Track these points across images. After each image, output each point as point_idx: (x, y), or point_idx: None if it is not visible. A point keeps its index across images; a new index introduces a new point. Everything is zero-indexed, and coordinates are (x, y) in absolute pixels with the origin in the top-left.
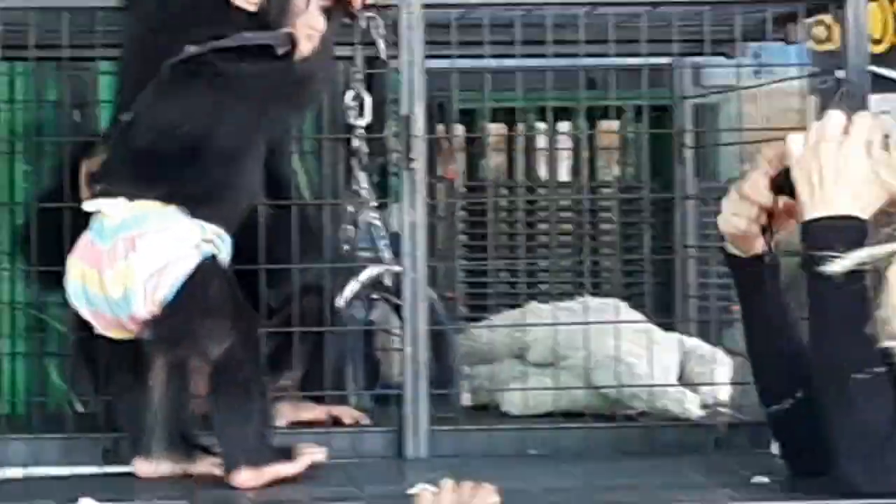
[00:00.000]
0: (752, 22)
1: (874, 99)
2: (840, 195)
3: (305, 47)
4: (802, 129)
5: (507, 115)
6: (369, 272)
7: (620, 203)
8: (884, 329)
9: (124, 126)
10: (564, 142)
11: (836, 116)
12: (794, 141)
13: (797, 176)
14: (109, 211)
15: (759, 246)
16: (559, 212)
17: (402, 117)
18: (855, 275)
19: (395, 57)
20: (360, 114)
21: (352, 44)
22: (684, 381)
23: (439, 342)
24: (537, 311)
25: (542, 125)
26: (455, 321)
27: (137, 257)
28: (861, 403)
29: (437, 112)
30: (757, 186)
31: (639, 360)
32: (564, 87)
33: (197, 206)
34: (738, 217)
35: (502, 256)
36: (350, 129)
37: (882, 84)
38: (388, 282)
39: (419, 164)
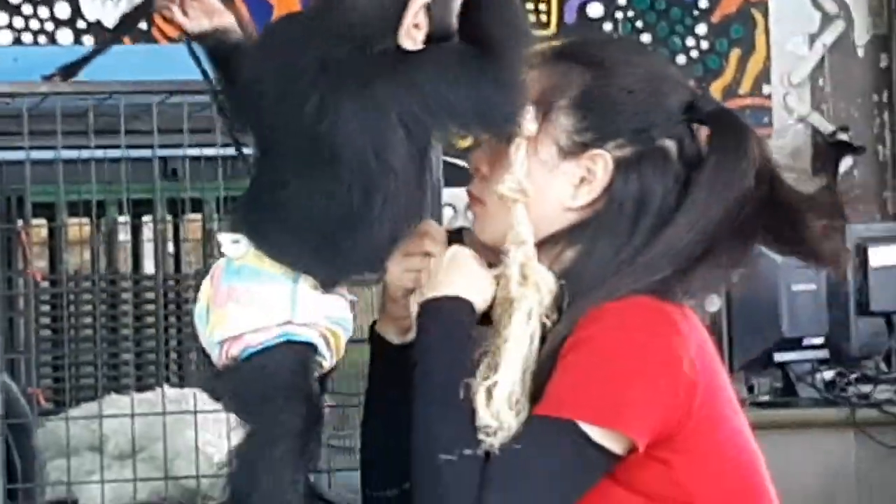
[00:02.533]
0: None
1: (450, 192)
2: (448, 280)
3: None
4: None
5: (89, 208)
6: None
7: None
8: (486, 399)
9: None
10: (148, 234)
11: None
12: None
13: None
14: (230, 252)
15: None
16: (144, 304)
17: None
18: (456, 340)
19: None
20: None
21: None
22: None
23: (17, 436)
24: (115, 402)
25: (123, 218)
26: (35, 415)
27: (226, 313)
28: (445, 487)
29: (15, 206)
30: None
31: (217, 450)
32: (144, 178)
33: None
34: (408, 273)
35: (84, 350)
36: None
37: None
38: None
39: None
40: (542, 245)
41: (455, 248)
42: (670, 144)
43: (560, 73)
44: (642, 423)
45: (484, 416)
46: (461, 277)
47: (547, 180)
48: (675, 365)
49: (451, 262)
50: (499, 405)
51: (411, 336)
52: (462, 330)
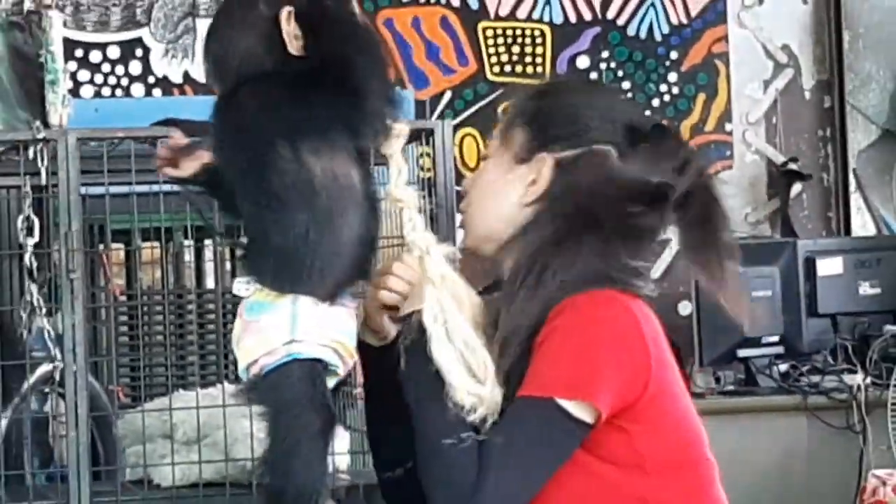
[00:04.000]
0: None
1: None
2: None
3: None
4: None
5: (160, 234)
6: (41, 370)
7: None
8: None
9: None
10: (209, 255)
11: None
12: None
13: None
14: (241, 293)
15: (391, 331)
16: (206, 314)
17: (62, 235)
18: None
19: (56, 185)
20: (30, 234)
21: (19, 174)
22: None
23: (100, 427)
24: (183, 396)
25: (188, 241)
26: (115, 408)
27: (245, 345)
28: (450, 467)
29: (97, 233)
30: (409, 267)
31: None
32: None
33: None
34: (386, 292)
35: (156, 353)
36: (21, 247)
37: None
38: (58, 377)
39: (77, 275)
40: (510, 242)
41: (439, 269)
42: (609, 149)
43: (517, 102)
44: (607, 395)
45: (458, 398)
46: None
47: (507, 182)
48: (633, 345)
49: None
50: (459, 385)
51: (388, 339)
52: None
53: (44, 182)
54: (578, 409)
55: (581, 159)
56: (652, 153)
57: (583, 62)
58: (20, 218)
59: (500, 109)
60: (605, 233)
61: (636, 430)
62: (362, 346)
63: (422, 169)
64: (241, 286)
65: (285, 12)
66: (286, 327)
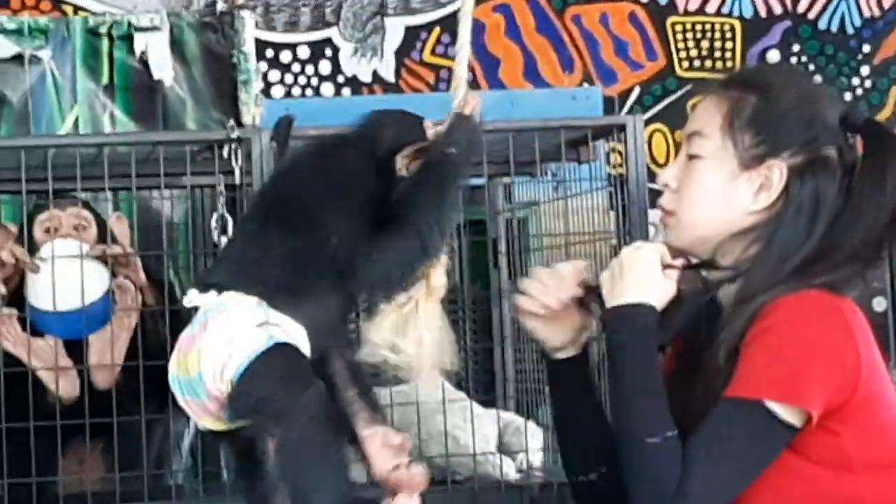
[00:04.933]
0: (550, 145)
1: (654, 213)
2: (630, 287)
3: None
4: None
5: None
6: None
7: (448, 302)
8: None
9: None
10: None
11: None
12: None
13: (603, 277)
14: (200, 302)
15: (570, 343)
16: None
17: None
18: (643, 340)
19: (250, 184)
20: (224, 232)
21: (213, 173)
22: (502, 449)
23: None
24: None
25: None
26: None
27: (207, 336)
28: (655, 466)
29: None
30: (574, 274)
31: (463, 433)
32: None
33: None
34: (546, 296)
35: None
36: (216, 246)
37: None
38: None
39: None
40: (727, 243)
41: (627, 250)
42: (832, 153)
43: (733, 98)
44: (817, 398)
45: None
46: (638, 282)
47: (730, 189)
48: (844, 348)
49: (627, 267)
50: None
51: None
52: (647, 331)
53: (238, 181)
54: (787, 412)
55: (810, 165)
56: (869, 155)
57: (773, 56)
58: (214, 216)
59: (690, 104)
60: (841, 241)
61: (846, 432)
62: (546, 353)
63: (612, 165)
64: (201, 294)
65: (408, 157)
66: (256, 309)
